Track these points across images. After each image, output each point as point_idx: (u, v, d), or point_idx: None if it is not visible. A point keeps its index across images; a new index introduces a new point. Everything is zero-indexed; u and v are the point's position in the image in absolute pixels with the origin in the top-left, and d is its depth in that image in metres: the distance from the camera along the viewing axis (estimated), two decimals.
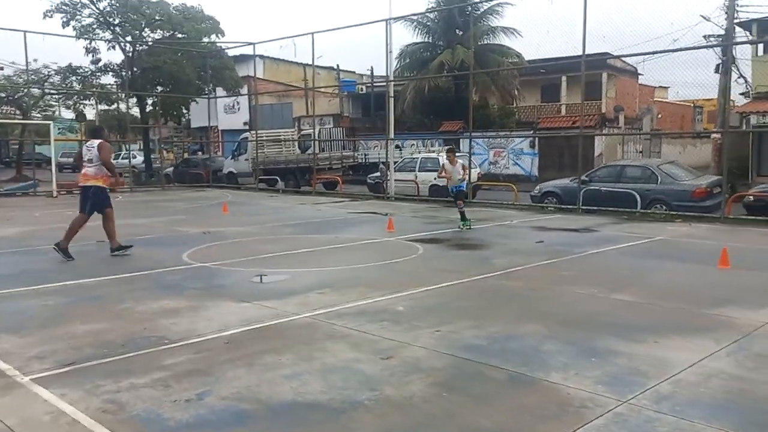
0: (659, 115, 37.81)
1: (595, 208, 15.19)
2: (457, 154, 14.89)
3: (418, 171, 20.56)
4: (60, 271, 8.23)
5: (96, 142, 9.62)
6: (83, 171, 9.60)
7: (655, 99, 41.69)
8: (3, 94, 31.53)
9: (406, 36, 46.67)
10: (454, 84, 35.27)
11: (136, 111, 33.14)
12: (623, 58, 31.85)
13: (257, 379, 4.31)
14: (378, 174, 22.67)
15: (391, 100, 20.21)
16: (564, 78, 37.66)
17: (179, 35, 27.83)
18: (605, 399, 3.92)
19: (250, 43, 25.13)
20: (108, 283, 7.60)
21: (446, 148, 16.67)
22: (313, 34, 20.86)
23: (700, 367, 4.49)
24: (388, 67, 19.80)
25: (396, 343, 5.09)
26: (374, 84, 42.68)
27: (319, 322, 5.74)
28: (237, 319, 5.83)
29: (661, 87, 41.33)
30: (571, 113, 34.63)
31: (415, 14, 35.44)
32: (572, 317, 5.84)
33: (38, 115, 32.79)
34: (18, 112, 33.17)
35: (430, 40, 37.01)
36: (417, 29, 36.58)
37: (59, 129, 41.20)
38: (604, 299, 6.57)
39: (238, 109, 43.90)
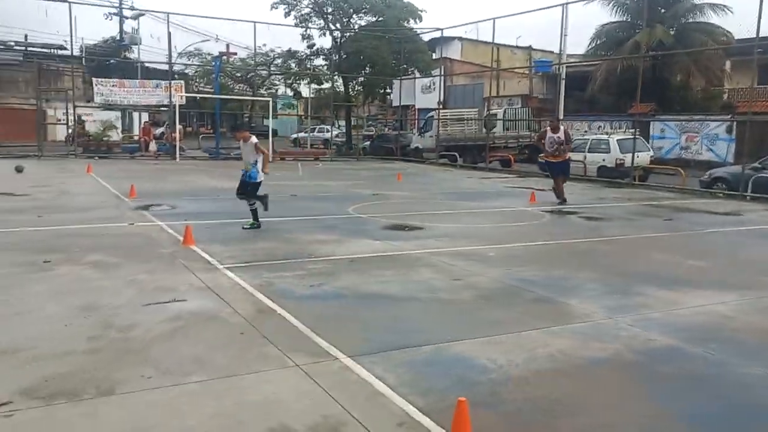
0: None
1: (767, 195, 14.79)
2: (610, 134, 15.39)
3: (588, 152, 21.00)
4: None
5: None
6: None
7: None
8: (239, 74, 37.36)
9: (602, 15, 45.12)
10: (652, 65, 33.93)
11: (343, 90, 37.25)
12: None
13: (359, 281, 6.27)
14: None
15: (562, 83, 20.88)
16: None
17: (380, 20, 30.73)
18: (597, 315, 5.23)
19: (438, 29, 27.09)
20: (288, 221, 10.09)
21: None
22: (494, 19, 22.20)
23: (701, 307, 5.51)
24: (562, 48, 20.52)
25: (470, 272, 6.72)
26: (566, 64, 42.29)
27: (424, 256, 7.53)
28: (365, 249, 7.86)
29: None
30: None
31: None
32: (630, 272, 6.94)
33: (264, 92, 38.20)
34: (249, 89, 39.02)
35: (629, 19, 35.81)
36: (615, 8, 35.63)
37: (280, 105, 47.36)
38: (676, 263, 7.46)
39: (434, 89, 46.48)
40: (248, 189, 9.35)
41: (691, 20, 33.86)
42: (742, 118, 27.63)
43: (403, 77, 34.63)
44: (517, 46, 49.33)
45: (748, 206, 13.70)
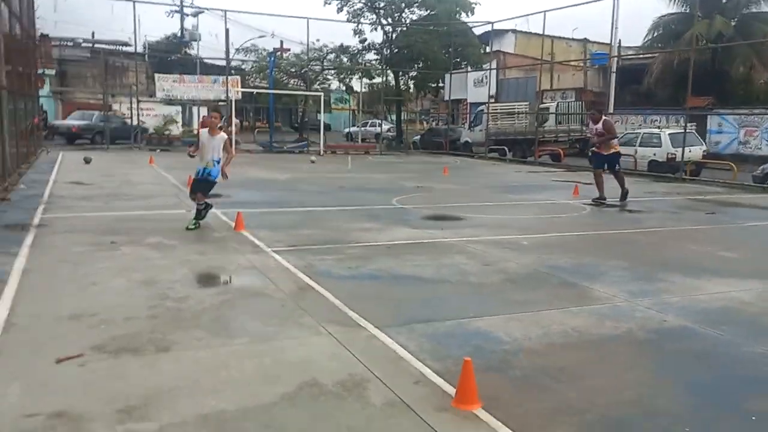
0: None
1: None
2: (662, 128, 15.17)
3: (638, 146, 20.78)
4: (305, 202, 11.52)
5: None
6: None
7: None
8: (293, 70, 38.28)
9: (660, 7, 43.89)
10: (711, 57, 33.03)
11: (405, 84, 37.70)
12: None
13: (395, 264, 6.70)
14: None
15: (613, 75, 20.72)
16: None
17: (432, 13, 30.97)
18: (617, 298, 5.50)
19: (489, 22, 27.18)
20: (334, 210, 10.60)
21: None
22: (545, 12, 22.17)
23: (721, 294, 5.70)
24: (612, 41, 20.33)
25: (501, 259, 7.05)
26: (617, 57, 41.55)
27: (459, 244, 7.89)
28: (403, 236, 8.28)
29: None
30: None
31: None
32: (660, 261, 7.12)
33: (318, 87, 39.02)
34: (303, 84, 39.92)
35: (687, 10, 34.90)
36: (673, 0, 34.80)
37: (333, 99, 48.17)
38: (707, 254, 7.59)
39: (486, 82, 46.44)
40: (202, 188, 8.45)
41: (754, 10, 32.82)
42: None
43: (454, 71, 34.79)
44: (573, 39, 48.53)
45: None
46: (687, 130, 19.81)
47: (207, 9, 34.80)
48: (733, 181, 17.18)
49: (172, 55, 39.45)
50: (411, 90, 37.77)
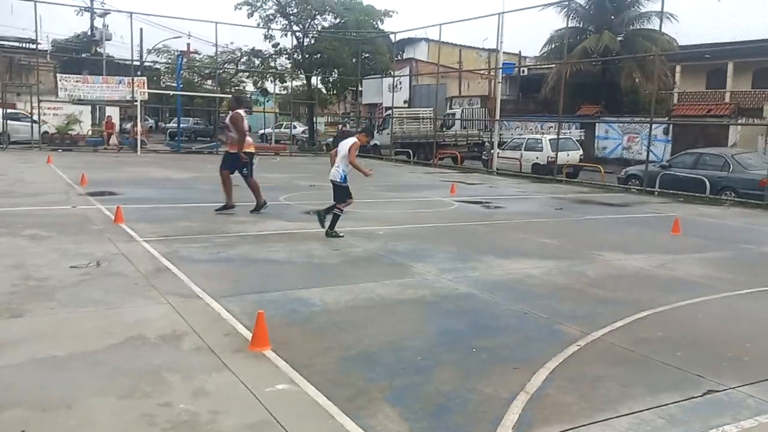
0: None
1: (671, 191, 16.34)
2: (544, 134, 16.72)
3: (524, 150, 22.52)
4: (195, 199, 12.18)
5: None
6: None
7: None
8: (207, 71, 38.39)
9: (557, 21, 46.68)
10: (602, 69, 35.70)
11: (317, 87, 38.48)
12: None
13: (252, 249, 7.57)
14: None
15: (499, 86, 22.38)
16: (731, 64, 36.23)
17: (341, 23, 32.08)
18: (429, 273, 6.59)
19: (392, 33, 28.51)
20: (219, 205, 11.32)
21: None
22: (440, 25, 23.65)
23: (516, 270, 6.91)
24: (498, 56, 21.97)
25: (351, 245, 8.06)
26: (524, 67, 44.13)
27: (321, 234, 8.82)
28: (274, 227, 9.17)
29: None
30: (717, 101, 33.35)
31: (530, 6, 35.98)
32: (486, 246, 8.32)
33: (231, 89, 39.23)
34: (217, 86, 40.05)
35: (581, 25, 37.55)
36: (567, 14, 37.33)
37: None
38: (530, 241, 8.88)
39: (400, 88, 48.08)
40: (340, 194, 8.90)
41: (638, 27, 35.72)
42: (677, 121, 29.55)
43: (367, 77, 35.99)
44: (483, 48, 50.69)
45: (648, 199, 15.26)
46: (565, 137, 21.73)
47: (114, 10, 34.49)
48: (602, 182, 19.04)
49: (81, 54, 38.70)
50: (331, 93, 38.61)
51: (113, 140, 26.77)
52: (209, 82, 39.97)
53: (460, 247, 8.17)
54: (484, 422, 3.36)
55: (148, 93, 27.22)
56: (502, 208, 12.73)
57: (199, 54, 37.53)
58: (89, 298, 5.38)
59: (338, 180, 8.76)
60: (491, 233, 9.51)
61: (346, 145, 8.83)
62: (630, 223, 11.18)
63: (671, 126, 29.38)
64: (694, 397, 3.73)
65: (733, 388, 3.87)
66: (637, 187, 17.67)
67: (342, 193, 8.80)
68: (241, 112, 10.42)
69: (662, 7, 20.31)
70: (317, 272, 6.66)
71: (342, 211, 8.80)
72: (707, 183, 15.70)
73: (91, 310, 5.08)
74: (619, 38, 35.11)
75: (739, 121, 28.43)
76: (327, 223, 8.68)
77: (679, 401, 3.66)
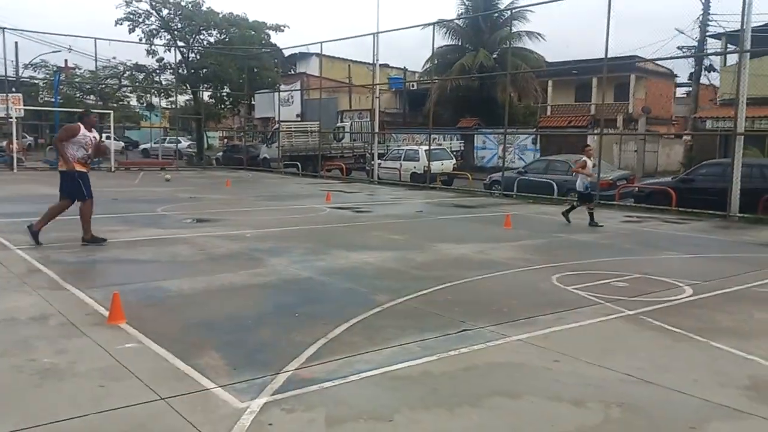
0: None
1: (527, 194, 18.33)
2: (420, 145, 18.17)
3: (403, 160, 24.15)
4: (72, 212, 12.55)
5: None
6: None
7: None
8: (88, 86, 37.56)
9: (438, 39, 49.64)
10: (480, 84, 38.40)
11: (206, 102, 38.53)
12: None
13: (121, 252, 8.34)
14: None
15: (377, 101, 23.93)
16: (594, 79, 40.01)
17: (226, 39, 32.64)
18: (280, 265, 7.65)
19: (279, 48, 29.44)
20: (95, 219, 11.82)
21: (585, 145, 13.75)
22: (321, 43, 25.08)
23: (357, 259, 8.11)
24: (375, 72, 23.55)
25: (217, 246, 8.98)
26: (410, 82, 46.52)
27: (191, 238, 9.67)
28: (148, 234, 9.90)
29: None
30: (582, 113, 36.76)
31: (400, 28, 38.17)
32: (341, 243, 9.49)
33: (115, 105, 38.61)
34: (100, 101, 39.28)
35: (459, 43, 40.19)
36: (448, 33, 39.89)
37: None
38: (382, 237, 10.16)
39: (292, 102, 49.05)
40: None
41: (510, 45, 38.81)
42: (544, 132, 32.50)
43: (258, 92, 36.70)
44: (372, 63, 52.40)
45: (504, 201, 17.13)
46: (440, 147, 23.59)
47: None
48: (470, 188, 20.91)
49: None
50: (223, 107, 38.74)
51: None
52: (91, 97, 39.15)
53: (316, 244, 9.29)
54: (287, 357, 4.45)
55: (24, 110, 26.59)
56: (368, 212, 14.02)
57: (80, 69, 36.72)
58: None
59: None
60: (349, 233, 10.72)
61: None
62: (474, 221, 12.79)
63: (539, 136, 32.30)
64: (449, 334, 5.02)
65: (482, 327, 5.22)
66: (499, 191, 19.62)
67: None
68: (80, 124, 8.95)
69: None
70: (179, 268, 7.55)
71: None
72: (555, 186, 17.81)
73: None
74: (494, 56, 37.97)
75: (596, 131, 31.64)
76: None
77: (437, 336, 4.94)
